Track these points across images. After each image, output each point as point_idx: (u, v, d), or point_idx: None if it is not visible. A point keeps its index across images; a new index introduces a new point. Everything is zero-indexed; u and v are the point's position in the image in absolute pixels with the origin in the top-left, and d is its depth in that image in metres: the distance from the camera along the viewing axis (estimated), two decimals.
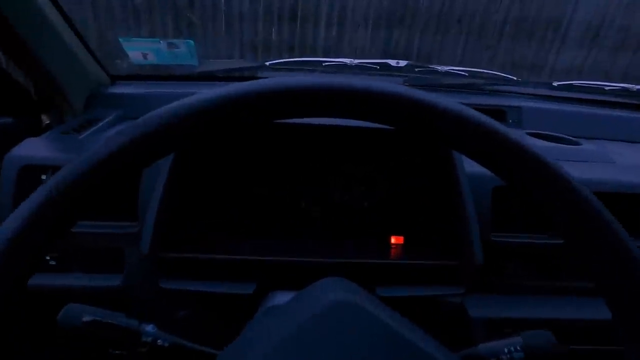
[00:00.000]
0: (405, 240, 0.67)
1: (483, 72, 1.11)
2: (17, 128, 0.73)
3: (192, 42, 0.84)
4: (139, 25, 2.57)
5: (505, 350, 0.39)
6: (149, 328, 0.41)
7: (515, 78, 1.12)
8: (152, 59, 0.85)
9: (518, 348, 0.39)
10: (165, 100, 0.24)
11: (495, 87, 1.09)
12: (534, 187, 0.24)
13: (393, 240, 0.67)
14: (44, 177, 0.60)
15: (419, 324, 0.36)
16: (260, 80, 0.24)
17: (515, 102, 1.02)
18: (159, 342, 0.40)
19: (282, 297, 0.50)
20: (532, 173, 0.24)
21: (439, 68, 1.09)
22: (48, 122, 0.85)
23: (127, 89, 0.91)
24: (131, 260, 0.61)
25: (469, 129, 0.24)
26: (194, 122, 0.23)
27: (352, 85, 0.24)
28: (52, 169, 0.61)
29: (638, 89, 1.07)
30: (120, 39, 0.81)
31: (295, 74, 0.25)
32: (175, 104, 0.23)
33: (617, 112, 1.03)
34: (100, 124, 0.78)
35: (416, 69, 1.06)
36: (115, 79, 0.95)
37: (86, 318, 0.39)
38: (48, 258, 0.61)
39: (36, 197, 0.22)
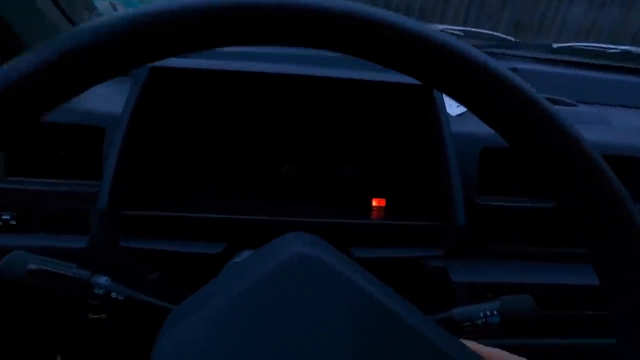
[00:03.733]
0: (387, 202, 0.64)
1: (480, 32, 1.06)
2: None
3: None
4: None
5: (481, 314, 0.37)
6: (102, 280, 0.38)
7: (513, 39, 1.07)
8: (121, 10, 0.78)
9: (494, 312, 0.37)
10: None
11: (492, 49, 1.04)
12: (540, 143, 0.21)
13: (374, 202, 0.64)
14: None
15: (398, 287, 0.34)
16: None
17: (511, 64, 0.97)
18: (113, 295, 0.38)
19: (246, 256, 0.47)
20: (541, 128, 0.21)
21: (433, 27, 1.03)
22: None
23: None
24: (95, 220, 0.58)
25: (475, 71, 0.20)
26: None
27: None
28: None
29: None
30: None
31: None
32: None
33: (617, 76, 0.99)
34: None
35: None
36: None
37: (30, 266, 0.36)
38: (8, 217, 0.58)
39: None
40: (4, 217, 0.57)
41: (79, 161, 0.60)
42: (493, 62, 0.21)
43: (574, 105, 0.80)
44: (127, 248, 0.49)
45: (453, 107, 0.73)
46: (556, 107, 0.77)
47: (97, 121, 0.58)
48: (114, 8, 0.78)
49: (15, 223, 0.57)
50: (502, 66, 0.21)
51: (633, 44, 1.07)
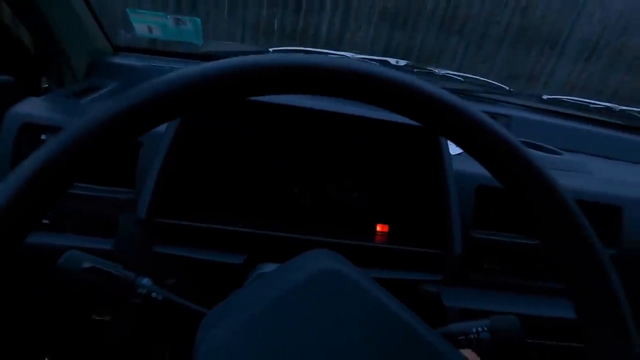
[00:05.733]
0: (390, 229, 0.70)
1: (478, 79, 1.15)
2: (19, 87, 0.74)
3: (199, 20, 0.84)
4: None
5: (474, 329, 0.42)
6: (145, 281, 0.43)
7: (507, 88, 1.17)
8: (157, 33, 0.85)
9: (485, 328, 0.42)
10: None
11: (488, 95, 1.14)
12: (521, 188, 0.25)
13: (379, 228, 0.70)
14: (43, 137, 0.61)
15: None
16: (268, 55, 0.24)
17: (505, 111, 1.06)
18: (153, 295, 0.42)
19: (270, 268, 0.52)
20: (523, 174, 0.25)
21: (436, 71, 1.12)
22: (47, 85, 0.85)
23: (129, 60, 0.92)
24: (124, 226, 0.62)
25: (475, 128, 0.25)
26: (195, 92, 0.23)
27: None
28: (51, 129, 0.61)
29: (620, 110, 1.13)
30: (128, 10, 0.81)
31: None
32: (175, 73, 0.23)
33: (599, 130, 1.09)
34: (102, 91, 0.78)
35: (414, 70, 1.09)
36: (117, 49, 0.95)
37: (85, 264, 0.40)
38: None
39: (33, 161, 0.21)
40: None
41: (112, 169, 0.65)
42: (488, 120, 0.25)
43: (559, 153, 0.89)
44: (157, 253, 0.54)
45: (452, 147, 0.80)
46: (540, 154, 0.85)
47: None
48: (150, 31, 0.85)
49: (48, 222, 0.62)
50: (494, 122, 0.25)
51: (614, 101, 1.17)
